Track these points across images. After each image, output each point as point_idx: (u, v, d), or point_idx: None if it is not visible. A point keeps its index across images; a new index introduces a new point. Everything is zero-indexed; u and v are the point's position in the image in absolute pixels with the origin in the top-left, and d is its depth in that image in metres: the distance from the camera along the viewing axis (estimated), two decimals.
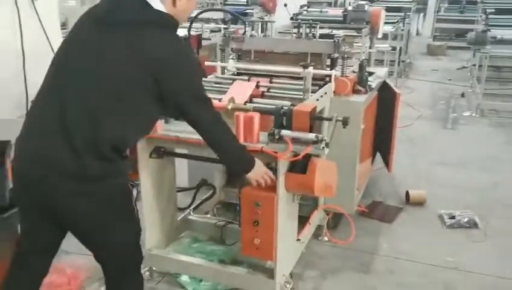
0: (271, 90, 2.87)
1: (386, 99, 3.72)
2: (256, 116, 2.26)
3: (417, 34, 12.93)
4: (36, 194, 1.81)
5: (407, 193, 3.84)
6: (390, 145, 3.82)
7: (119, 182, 1.87)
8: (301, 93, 2.73)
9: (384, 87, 3.75)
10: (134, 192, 2.05)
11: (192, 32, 4.67)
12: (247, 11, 6.96)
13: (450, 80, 8.12)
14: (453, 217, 3.53)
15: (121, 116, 1.78)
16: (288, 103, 2.57)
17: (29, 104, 3.42)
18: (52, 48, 3.63)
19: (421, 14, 12.93)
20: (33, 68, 3.45)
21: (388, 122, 3.77)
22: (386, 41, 6.84)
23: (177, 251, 2.85)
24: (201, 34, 5.03)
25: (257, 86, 2.82)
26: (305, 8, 5.56)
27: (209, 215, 3.33)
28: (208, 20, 5.73)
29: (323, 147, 2.19)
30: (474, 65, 7.24)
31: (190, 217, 3.11)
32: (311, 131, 2.26)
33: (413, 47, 10.30)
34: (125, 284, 2.06)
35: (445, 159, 4.72)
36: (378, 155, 4.02)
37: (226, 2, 7.43)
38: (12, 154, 2.31)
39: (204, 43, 5.10)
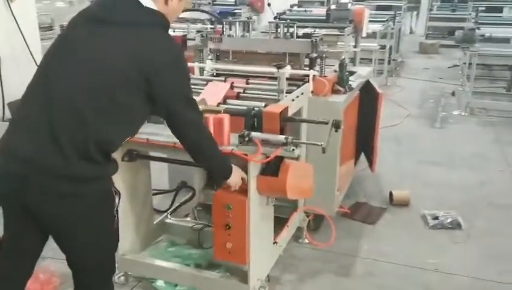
0: (247, 91, 2.84)
1: (369, 99, 3.68)
2: (226, 118, 2.22)
3: (410, 32, 12.93)
4: (18, 194, 1.77)
5: (390, 194, 3.80)
6: (373, 145, 3.78)
7: (103, 186, 1.84)
8: (276, 94, 2.68)
9: (367, 87, 3.71)
10: (117, 199, 1.98)
11: (178, 33, 4.63)
12: (236, 10, 6.93)
13: (441, 78, 8.10)
14: (436, 218, 3.50)
15: (110, 116, 1.74)
16: (262, 104, 2.54)
17: (5, 106, 3.39)
18: (29, 50, 3.59)
19: (414, 13, 12.93)
20: (10, 70, 3.41)
21: (371, 123, 3.73)
22: (375, 40, 6.79)
23: (153, 255, 2.81)
24: (186, 35, 4.98)
25: (232, 87, 2.78)
26: (294, 7, 5.54)
27: (188, 219, 3.29)
28: (194, 21, 5.69)
29: (293, 149, 2.15)
30: (465, 63, 7.21)
31: (167, 220, 3.07)
32: (282, 133, 2.22)
33: (406, 45, 10.29)
34: None
35: (431, 159, 4.68)
36: (363, 155, 3.99)
37: (214, 2, 7.39)
38: None
39: (189, 43, 5.06)
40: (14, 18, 3.48)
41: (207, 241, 2.92)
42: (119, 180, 2.49)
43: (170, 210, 3.18)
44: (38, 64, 1.88)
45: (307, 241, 3.17)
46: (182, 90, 1.88)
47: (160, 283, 2.72)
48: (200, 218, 3.28)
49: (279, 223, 2.87)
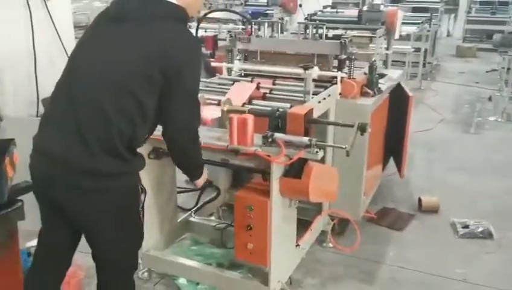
0: (273, 92, 2.82)
1: (399, 102, 3.60)
2: (250, 119, 2.21)
3: (448, 35, 12.60)
4: (47, 191, 1.84)
5: (419, 200, 3.71)
6: (403, 150, 3.70)
7: (128, 182, 1.86)
8: (303, 95, 2.66)
9: (398, 90, 3.64)
10: (143, 197, 2.01)
11: (209, 33, 4.67)
12: (268, 11, 6.92)
13: (477, 83, 7.85)
14: (466, 227, 3.39)
15: (132, 113, 1.76)
16: (287, 105, 2.52)
17: (40, 104, 3.48)
18: (64, 48, 3.68)
19: (452, 15, 12.58)
20: (45, 68, 3.51)
21: (401, 126, 3.65)
22: (409, 42, 6.64)
23: (176, 252, 2.83)
24: (217, 35, 5.02)
25: (258, 88, 2.77)
26: (327, 8, 5.49)
27: (212, 218, 3.30)
28: (226, 21, 5.71)
29: (317, 151, 2.12)
30: (503, 68, 6.96)
31: (191, 218, 3.09)
32: (306, 134, 2.20)
33: (442, 49, 10.01)
34: (116, 287, 2.04)
35: (464, 165, 4.54)
36: (392, 160, 3.91)
37: (246, 3, 7.40)
38: (15, 152, 2.37)
39: (220, 43, 5.09)
40: (50, 16, 3.57)
41: (230, 241, 2.92)
42: (144, 177, 2.52)
43: (194, 209, 3.19)
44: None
45: (331, 245, 3.13)
46: (194, 86, 1.87)
47: (182, 280, 2.74)
48: (224, 218, 3.30)
49: (303, 225, 2.84)
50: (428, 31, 7.56)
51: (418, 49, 7.14)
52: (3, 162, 2.28)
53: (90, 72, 1.76)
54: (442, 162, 4.62)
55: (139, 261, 2.74)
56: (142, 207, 1.99)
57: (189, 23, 1.93)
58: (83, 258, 2.72)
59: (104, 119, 1.72)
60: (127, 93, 1.73)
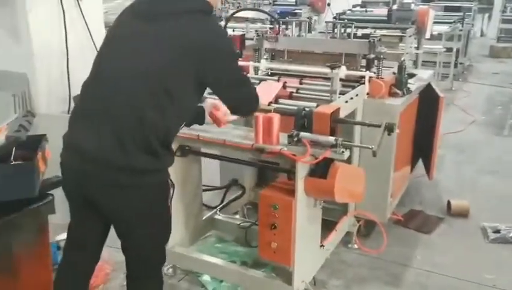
0: (300, 91, 2.81)
1: (429, 103, 3.53)
2: (276, 117, 2.21)
3: (481, 35, 12.27)
4: (79, 187, 1.87)
5: (448, 203, 3.63)
6: (432, 151, 3.62)
7: (160, 178, 1.89)
8: (329, 94, 2.64)
9: (428, 91, 3.57)
10: (172, 191, 2.04)
11: (237, 32, 4.68)
12: (296, 11, 6.89)
13: (511, 84, 7.62)
14: (497, 231, 3.30)
15: (164, 107, 1.78)
16: (314, 104, 2.51)
17: (72, 101, 3.57)
18: (96, 47, 3.75)
19: (486, 15, 12.24)
20: (77, 67, 3.58)
21: (430, 128, 3.58)
22: (440, 42, 6.50)
23: (201, 250, 2.85)
24: (244, 34, 5.03)
25: (284, 87, 2.77)
26: (357, 7, 5.44)
27: (237, 216, 3.32)
28: (254, 20, 5.72)
29: (343, 151, 2.10)
30: None
31: (216, 216, 3.11)
32: (332, 134, 2.18)
33: (475, 49, 9.77)
34: (146, 281, 2.06)
35: (495, 168, 4.42)
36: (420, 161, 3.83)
37: (275, 2, 7.39)
38: (47, 147, 2.44)
39: (248, 43, 5.10)
40: (83, 16, 3.65)
41: (254, 239, 2.93)
42: (171, 174, 2.57)
43: (219, 206, 3.21)
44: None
45: (356, 246, 3.10)
46: (234, 74, 1.94)
47: (206, 277, 2.76)
48: (249, 216, 3.31)
49: (328, 226, 2.82)
50: (461, 30, 7.38)
51: (449, 49, 6.98)
52: (35, 157, 2.35)
53: (122, 71, 1.78)
54: (472, 165, 4.51)
55: None
56: (170, 201, 2.03)
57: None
58: (110, 252, 2.77)
59: (139, 117, 1.74)
60: (162, 90, 1.75)
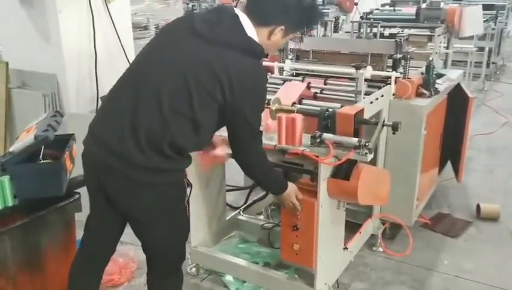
0: (324, 92, 2.79)
1: (458, 103, 3.45)
2: (299, 118, 2.19)
3: None
4: (99, 180, 1.90)
5: (478, 206, 3.53)
6: (461, 153, 3.53)
7: (175, 177, 1.91)
8: (354, 95, 2.61)
9: (457, 91, 3.48)
10: (188, 190, 2.06)
11: None
12: (323, 10, 6.83)
13: None
14: None
15: (185, 123, 1.80)
16: (338, 105, 2.48)
17: (99, 101, 3.63)
18: (123, 49, 3.82)
19: None
20: (105, 67, 3.65)
21: (459, 129, 3.49)
22: (472, 41, 6.34)
23: (224, 250, 2.86)
24: None
25: (308, 87, 2.74)
26: (386, 6, 5.35)
27: (261, 217, 3.31)
28: None
29: (366, 153, 2.07)
30: None
31: (240, 216, 3.11)
32: (356, 135, 2.15)
33: (509, 48, 9.47)
34: (165, 278, 2.09)
35: None
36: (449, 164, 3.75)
37: None
38: (74, 146, 2.49)
39: None
40: (111, 18, 3.72)
41: (277, 240, 2.91)
42: (194, 174, 2.59)
43: (243, 207, 3.21)
44: (130, 61, 1.97)
45: (381, 249, 3.05)
46: (253, 117, 1.90)
47: (228, 277, 2.77)
48: (273, 217, 3.30)
49: (352, 228, 2.79)
50: (493, 29, 7.17)
51: (481, 49, 6.79)
52: (63, 156, 2.41)
53: (158, 75, 1.80)
54: (503, 168, 4.37)
55: (188, 256, 2.83)
56: (188, 201, 2.03)
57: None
58: (135, 250, 2.83)
59: (162, 123, 1.77)
60: (187, 106, 1.77)
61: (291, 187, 2.22)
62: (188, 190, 2.04)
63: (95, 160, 1.90)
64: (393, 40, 2.89)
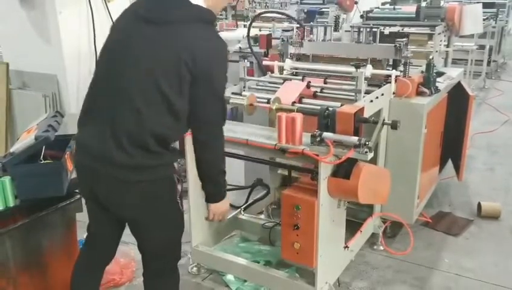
0: (324, 91, 2.78)
1: (459, 102, 3.45)
2: (299, 117, 2.19)
3: None
4: (89, 185, 1.92)
5: (479, 205, 3.53)
6: (462, 151, 3.53)
7: (163, 174, 1.89)
8: (354, 94, 2.60)
9: (458, 89, 3.48)
10: (179, 187, 2.03)
11: (263, 32, 4.67)
12: (323, 9, 6.83)
13: None
14: None
15: (162, 112, 1.80)
16: (338, 104, 2.48)
17: None
18: None
19: None
20: None
21: (460, 127, 3.49)
22: (472, 39, 6.33)
23: (225, 249, 2.86)
24: (271, 34, 5.02)
25: (308, 86, 2.74)
26: (386, 5, 5.33)
27: (262, 216, 3.31)
28: (280, 20, 5.69)
29: (366, 152, 2.06)
30: None
31: (241, 216, 3.11)
32: (356, 134, 2.15)
33: (510, 46, 9.45)
34: (161, 278, 2.09)
35: None
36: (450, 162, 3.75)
37: (302, 1, 7.35)
38: (75, 147, 2.50)
39: (274, 42, 5.08)
40: (111, 17, 3.72)
41: (278, 239, 2.92)
42: (193, 173, 2.58)
43: (244, 206, 3.21)
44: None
45: (382, 248, 3.05)
46: (218, 87, 1.88)
47: (230, 277, 2.77)
48: (274, 216, 3.29)
49: (353, 227, 2.79)
50: (494, 27, 7.17)
51: (482, 47, 6.79)
52: (63, 157, 2.41)
53: (125, 71, 1.79)
54: (504, 166, 4.37)
55: (189, 255, 2.83)
56: (180, 197, 2.02)
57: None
58: (136, 250, 2.81)
59: (137, 118, 1.77)
60: (158, 94, 1.76)
61: (228, 200, 2.10)
62: (179, 186, 2.00)
63: (82, 170, 1.93)
64: (393, 45, 2.89)
